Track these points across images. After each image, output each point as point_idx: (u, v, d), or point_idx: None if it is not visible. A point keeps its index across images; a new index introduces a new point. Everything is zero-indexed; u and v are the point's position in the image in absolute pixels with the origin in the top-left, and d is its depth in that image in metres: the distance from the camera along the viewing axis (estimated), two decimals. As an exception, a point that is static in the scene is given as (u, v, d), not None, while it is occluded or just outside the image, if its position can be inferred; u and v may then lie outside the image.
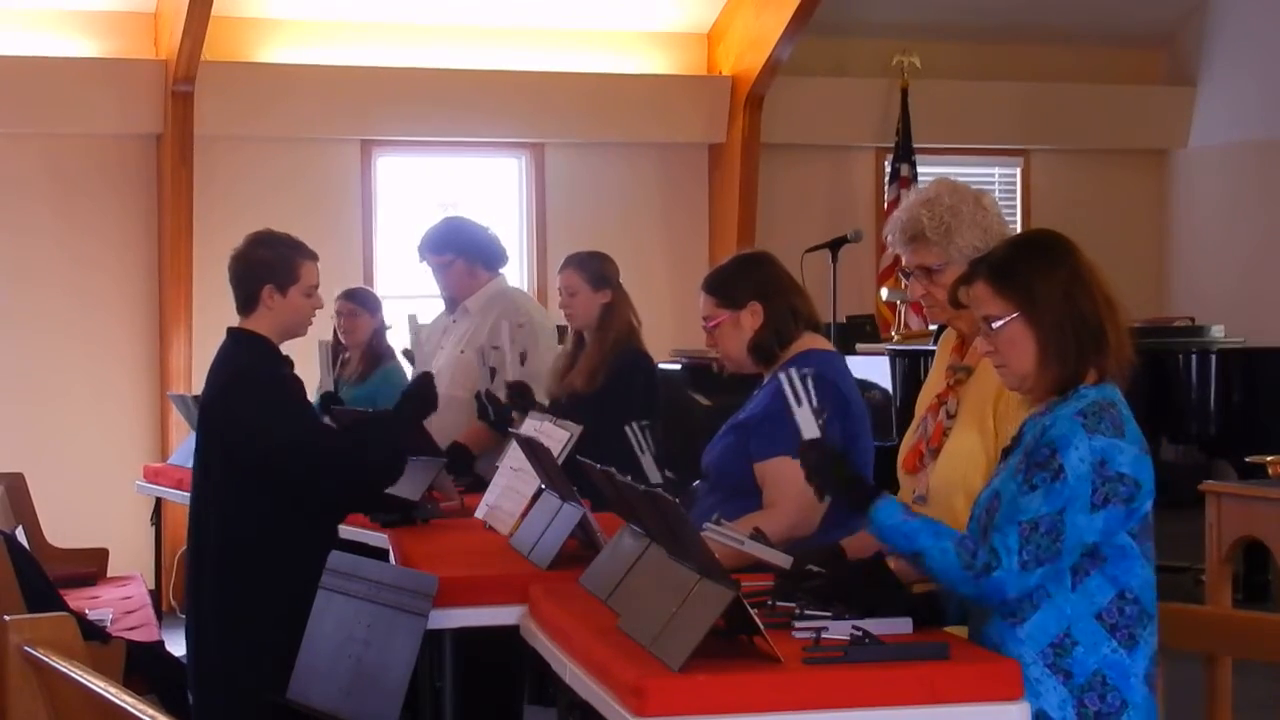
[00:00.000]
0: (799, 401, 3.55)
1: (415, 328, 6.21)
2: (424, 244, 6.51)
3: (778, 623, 3.30)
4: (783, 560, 3.57)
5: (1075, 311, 3.28)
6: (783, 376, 3.63)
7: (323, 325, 5.49)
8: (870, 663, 3.14)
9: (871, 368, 8.92)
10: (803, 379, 3.55)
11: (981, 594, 3.22)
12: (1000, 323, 3.31)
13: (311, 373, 5.63)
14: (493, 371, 6.16)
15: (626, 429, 4.12)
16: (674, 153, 11.14)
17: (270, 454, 4.73)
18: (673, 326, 10.07)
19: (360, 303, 7.51)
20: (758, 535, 3.68)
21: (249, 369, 4.89)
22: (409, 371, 7.17)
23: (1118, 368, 3.30)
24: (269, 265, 4.91)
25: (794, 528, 4.21)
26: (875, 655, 3.16)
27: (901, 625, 3.30)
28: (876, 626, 3.25)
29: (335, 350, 7.55)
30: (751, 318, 4.45)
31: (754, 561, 3.64)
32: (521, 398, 5.82)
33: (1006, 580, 3.17)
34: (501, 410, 5.97)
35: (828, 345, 4.60)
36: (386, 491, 5.09)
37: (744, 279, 4.52)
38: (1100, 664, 3.24)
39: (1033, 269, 3.31)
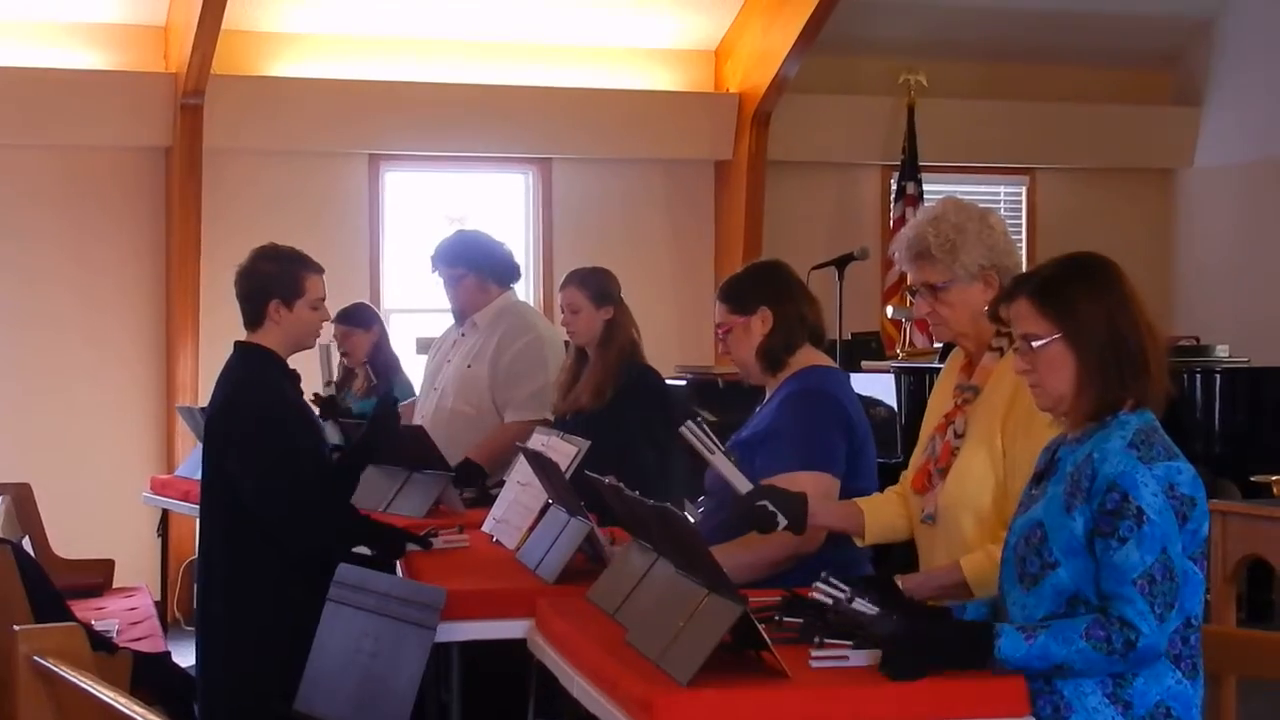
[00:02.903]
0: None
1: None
2: (437, 255, 6.52)
3: (785, 638, 3.30)
4: (742, 485, 3.70)
5: (1118, 337, 3.23)
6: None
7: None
8: (874, 667, 3.16)
9: (877, 385, 8.93)
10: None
11: (1138, 665, 3.15)
12: (1041, 342, 3.26)
13: (311, 376, 5.64)
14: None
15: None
16: (680, 169, 11.16)
17: (247, 491, 4.77)
18: (678, 342, 10.09)
19: (353, 322, 7.53)
20: (730, 453, 3.73)
21: (253, 385, 4.91)
22: (414, 378, 7.22)
23: (1155, 394, 3.26)
24: (274, 279, 4.94)
25: (799, 545, 4.22)
26: (877, 658, 3.19)
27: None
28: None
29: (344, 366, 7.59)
30: (761, 324, 4.50)
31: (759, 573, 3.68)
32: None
33: (1153, 642, 3.10)
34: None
35: (829, 361, 4.63)
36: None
37: (755, 286, 4.58)
38: (1164, 695, 3.18)
39: (1079, 291, 3.26)
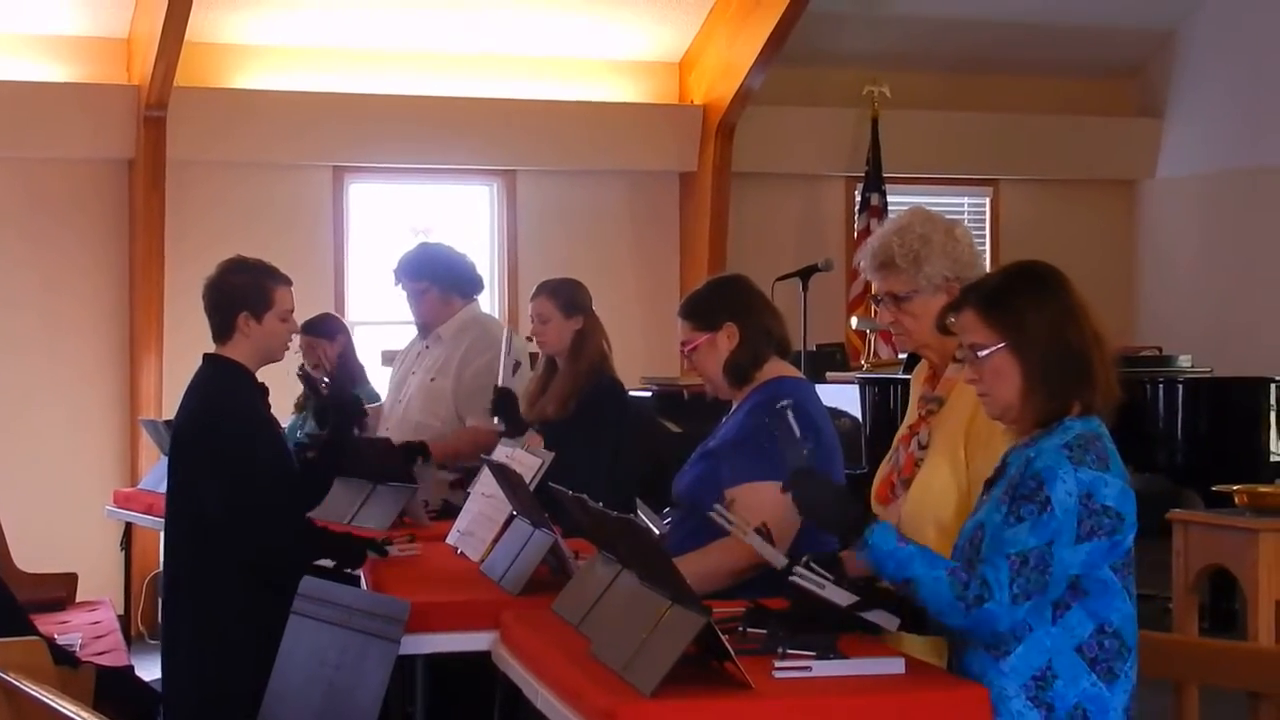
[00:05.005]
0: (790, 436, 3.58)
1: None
2: (400, 269, 6.53)
3: (749, 649, 3.31)
4: (778, 560, 3.60)
5: (1062, 345, 3.27)
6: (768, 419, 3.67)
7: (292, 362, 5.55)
8: (837, 677, 3.17)
9: (841, 396, 8.94)
10: (782, 411, 3.56)
11: (972, 625, 3.20)
12: (986, 351, 3.31)
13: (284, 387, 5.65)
14: (516, 365, 6.20)
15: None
16: (645, 181, 11.17)
17: (212, 499, 4.76)
18: (643, 354, 10.09)
19: (319, 332, 7.51)
20: (763, 530, 3.70)
21: (222, 398, 4.90)
22: (380, 390, 7.22)
23: (1103, 402, 3.30)
24: (243, 292, 4.93)
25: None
26: (840, 669, 3.22)
27: (893, 666, 3.31)
28: (867, 666, 3.26)
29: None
30: (727, 339, 4.49)
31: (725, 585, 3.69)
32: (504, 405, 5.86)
33: (998, 613, 3.16)
34: (515, 412, 6.01)
35: (796, 372, 4.63)
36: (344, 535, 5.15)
37: (718, 301, 4.57)
38: (1080, 697, 3.23)
39: (1023, 300, 3.30)
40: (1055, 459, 3.19)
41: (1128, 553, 3.27)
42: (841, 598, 3.28)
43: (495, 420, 6.00)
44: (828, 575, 3.32)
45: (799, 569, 3.38)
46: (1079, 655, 3.24)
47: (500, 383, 5.91)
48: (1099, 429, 3.29)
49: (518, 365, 6.09)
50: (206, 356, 5.00)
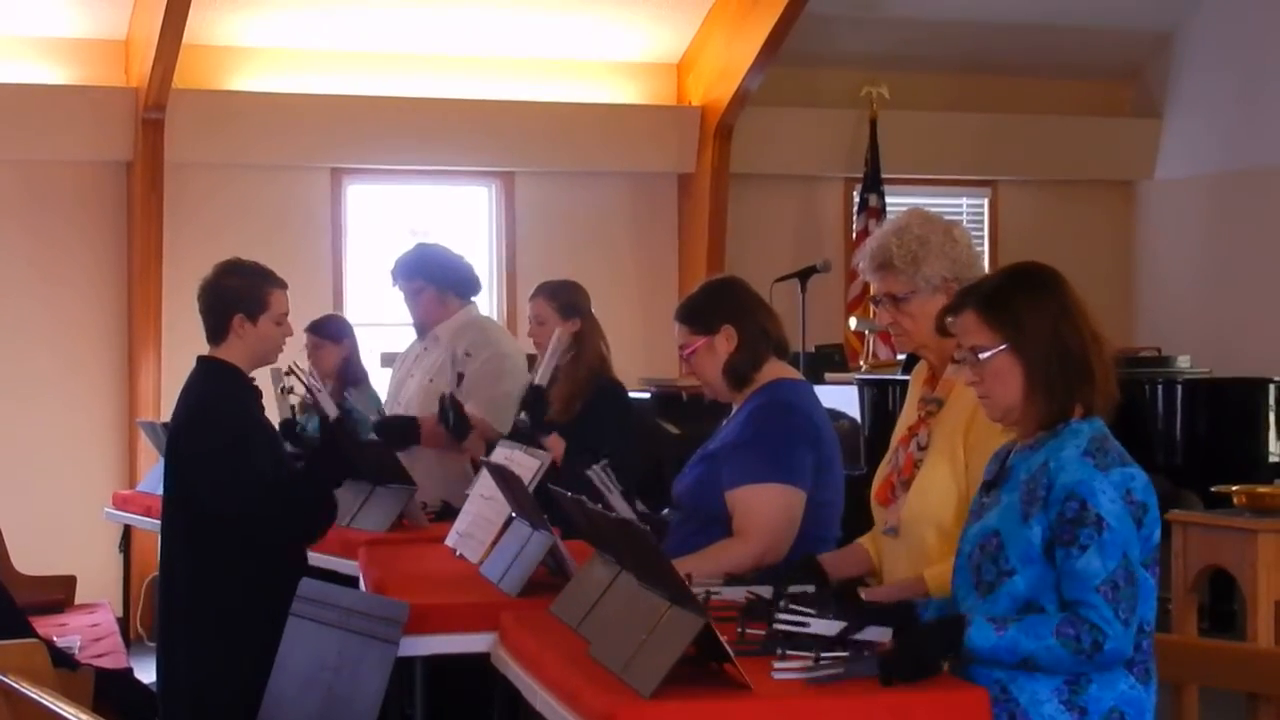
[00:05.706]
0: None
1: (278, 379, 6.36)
2: (396, 269, 6.53)
3: (749, 650, 3.31)
4: (763, 592, 3.59)
5: (1062, 345, 3.25)
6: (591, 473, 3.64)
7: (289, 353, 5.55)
8: (839, 682, 3.16)
9: (840, 397, 8.94)
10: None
11: (1103, 666, 3.15)
12: (988, 354, 3.29)
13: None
14: (460, 376, 6.19)
15: (590, 473, 4.10)
16: (643, 182, 11.17)
17: (215, 503, 4.76)
18: (642, 355, 10.09)
19: (323, 334, 7.50)
20: (730, 580, 3.70)
21: (215, 400, 4.89)
22: (381, 393, 7.22)
23: (1103, 403, 3.28)
24: (238, 294, 4.93)
25: (764, 555, 4.23)
26: (842, 668, 3.19)
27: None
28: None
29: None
30: (726, 341, 4.49)
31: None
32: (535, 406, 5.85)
33: (1119, 644, 3.11)
34: (461, 418, 5.99)
35: (795, 374, 4.63)
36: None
37: (715, 304, 4.57)
38: (1117, 701, 3.19)
39: (1023, 301, 3.29)
40: (1083, 471, 3.16)
41: (1156, 547, 3.23)
42: (829, 628, 3.25)
43: (450, 424, 6.01)
44: (810, 611, 3.29)
45: (779, 615, 3.32)
46: None
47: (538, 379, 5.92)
48: (1105, 429, 3.27)
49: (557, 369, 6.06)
50: (200, 359, 5.00)
